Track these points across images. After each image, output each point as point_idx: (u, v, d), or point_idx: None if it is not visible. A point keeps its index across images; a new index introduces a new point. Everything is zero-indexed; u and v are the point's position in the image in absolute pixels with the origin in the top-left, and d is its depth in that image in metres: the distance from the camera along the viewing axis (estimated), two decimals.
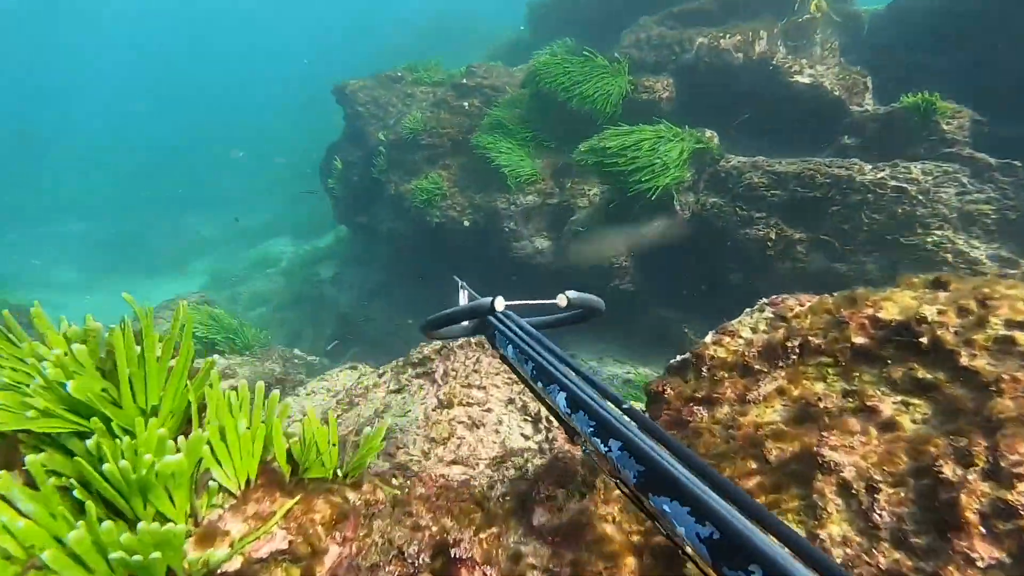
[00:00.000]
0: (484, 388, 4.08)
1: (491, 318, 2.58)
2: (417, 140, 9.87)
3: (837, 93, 8.17)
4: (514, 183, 9.06)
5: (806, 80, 8.30)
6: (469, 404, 3.91)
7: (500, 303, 2.35)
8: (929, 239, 6.48)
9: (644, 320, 9.06)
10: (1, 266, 27.14)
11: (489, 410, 3.89)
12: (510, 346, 2.37)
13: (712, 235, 7.98)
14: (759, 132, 9.14)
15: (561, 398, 1.89)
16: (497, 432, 3.69)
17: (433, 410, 3.94)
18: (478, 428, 3.72)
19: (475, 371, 4.28)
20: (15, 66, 52.93)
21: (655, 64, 9.36)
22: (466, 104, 9.91)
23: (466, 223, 9.44)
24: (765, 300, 3.32)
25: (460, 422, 3.76)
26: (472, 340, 4.63)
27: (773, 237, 7.37)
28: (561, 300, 2.46)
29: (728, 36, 8.72)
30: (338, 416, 4.43)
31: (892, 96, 8.51)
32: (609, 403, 1.74)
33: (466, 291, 3.55)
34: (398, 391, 4.45)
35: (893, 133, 7.29)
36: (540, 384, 2.07)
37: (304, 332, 13.86)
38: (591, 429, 1.67)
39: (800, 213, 7.31)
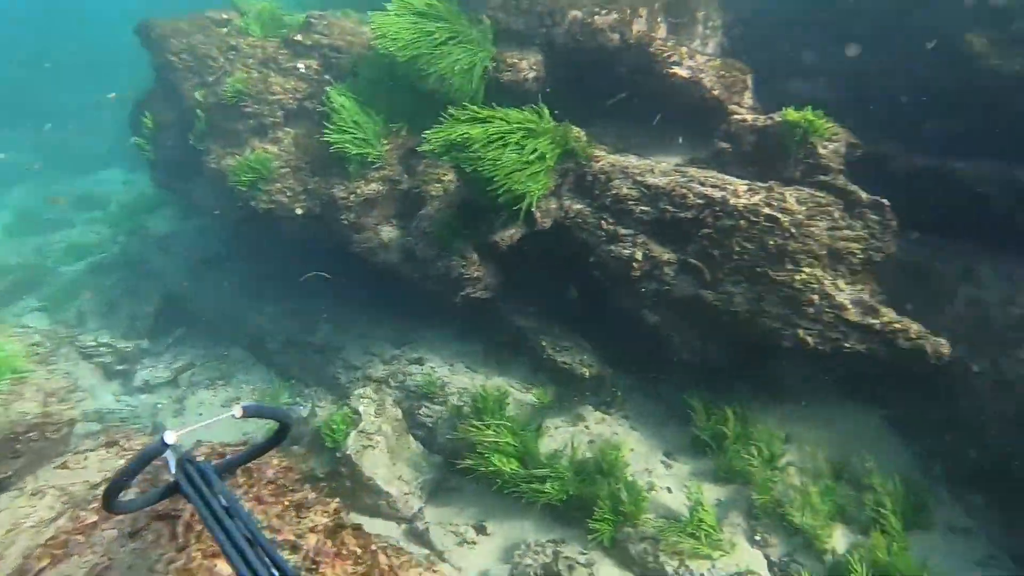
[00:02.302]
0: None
1: (180, 478, 2.52)
2: (240, 106, 8.20)
3: (716, 92, 7.40)
4: (356, 170, 7.74)
5: (684, 73, 7.45)
6: None
7: (170, 436, 2.39)
8: (798, 277, 5.97)
9: (501, 328, 8.22)
10: None
11: None
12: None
13: (574, 246, 7.15)
14: (635, 118, 8.30)
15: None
16: None
17: None
18: None
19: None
20: None
21: (523, 34, 8.15)
22: (301, 66, 8.29)
23: (298, 211, 8.05)
24: None
25: None
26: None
27: (639, 258, 6.64)
28: (236, 411, 2.55)
29: (604, 12, 7.64)
30: None
31: (767, 94, 7.92)
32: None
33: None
34: (132, 535, 3.29)
35: (770, 149, 6.64)
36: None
37: (121, 304, 11.93)
38: None
39: (670, 233, 6.60)
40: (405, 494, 6.87)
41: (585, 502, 6.11)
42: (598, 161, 7.15)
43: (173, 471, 2.64)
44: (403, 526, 6.82)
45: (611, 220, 6.90)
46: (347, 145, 7.65)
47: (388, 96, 8.03)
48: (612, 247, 6.85)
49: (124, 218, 15.81)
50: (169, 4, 11.38)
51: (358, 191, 7.84)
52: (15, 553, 3.58)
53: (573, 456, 6.62)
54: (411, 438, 7.56)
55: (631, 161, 7.13)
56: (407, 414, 7.87)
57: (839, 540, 5.76)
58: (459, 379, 8.02)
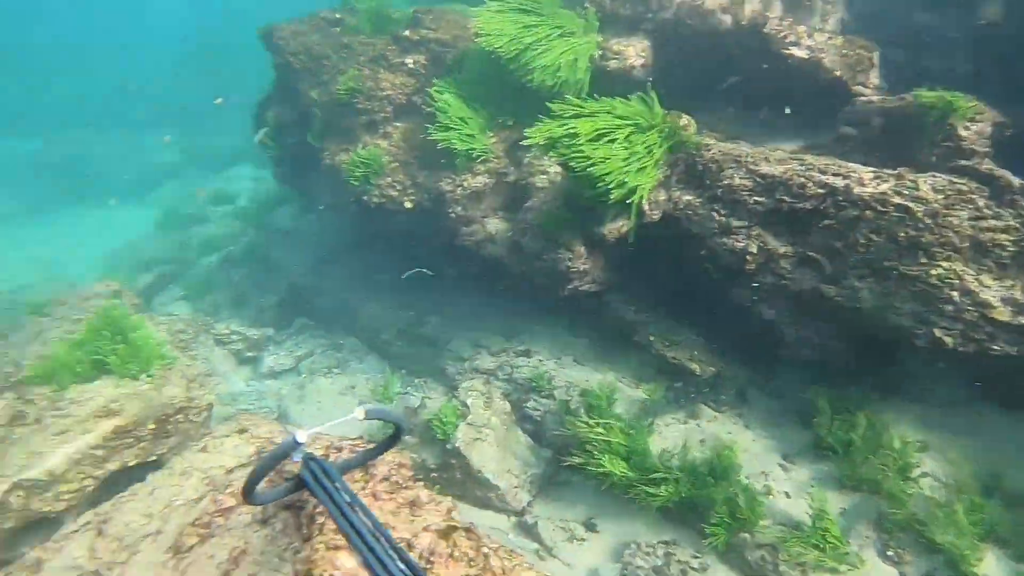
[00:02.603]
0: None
1: (305, 475, 2.76)
2: (353, 103, 8.50)
3: (838, 73, 6.94)
4: (462, 164, 7.84)
5: (802, 54, 7.02)
6: None
7: (302, 435, 2.63)
8: (934, 272, 5.50)
9: (609, 322, 8.13)
10: None
11: None
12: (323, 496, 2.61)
13: (685, 239, 6.94)
14: (748, 103, 7.94)
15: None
16: None
17: None
18: None
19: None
20: None
21: (629, 19, 7.95)
22: (409, 62, 8.48)
23: (408, 204, 8.27)
24: None
25: None
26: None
27: (754, 251, 6.35)
28: (359, 413, 2.75)
29: None
30: (186, 559, 3.51)
31: (897, 72, 7.34)
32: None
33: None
34: (263, 522, 3.51)
35: (901, 133, 6.15)
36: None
37: (249, 295, 12.77)
38: None
39: (787, 225, 6.27)
40: (514, 487, 6.97)
41: (698, 504, 5.96)
42: (709, 150, 6.87)
43: (298, 467, 2.94)
44: (512, 519, 6.92)
45: (723, 211, 6.63)
46: (453, 141, 7.75)
47: (493, 90, 8.06)
48: (725, 239, 6.59)
49: (252, 213, 16.80)
50: (286, 6, 11.98)
51: (465, 184, 7.96)
52: (172, 529, 3.92)
53: (685, 456, 6.45)
54: (519, 431, 7.65)
55: (744, 149, 6.81)
56: (515, 407, 7.96)
57: (991, 566, 5.22)
58: (566, 372, 8.03)
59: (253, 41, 10.11)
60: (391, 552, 2.23)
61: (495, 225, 8.17)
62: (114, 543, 4.03)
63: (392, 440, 3.13)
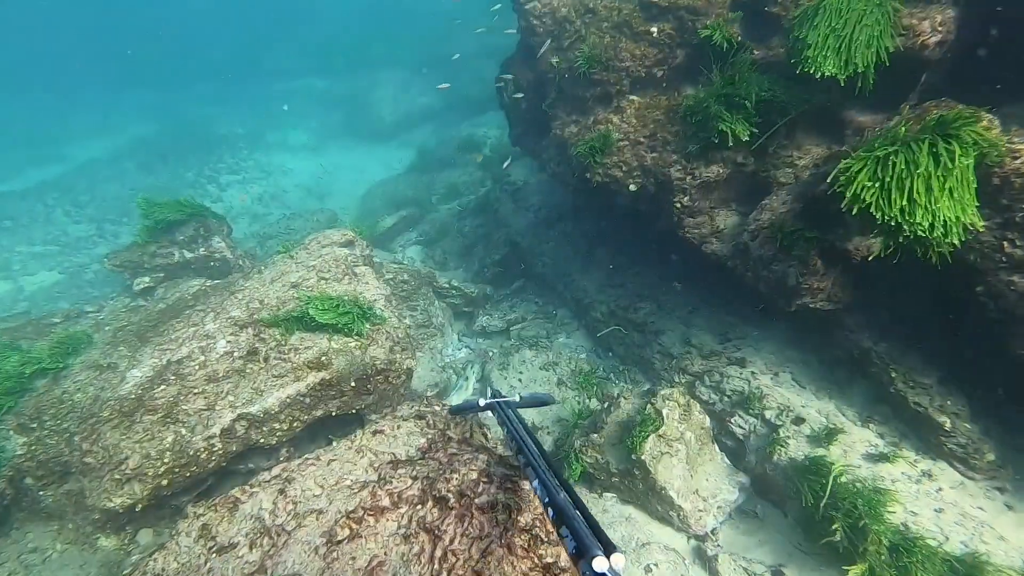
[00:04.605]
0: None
1: (499, 404, 4.02)
2: (589, 73, 8.03)
3: None
4: (696, 150, 7.08)
5: None
6: None
7: (483, 401, 4.19)
8: None
9: (839, 345, 7.01)
10: (254, 121, 29.99)
11: None
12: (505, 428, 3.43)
13: (957, 268, 5.58)
14: None
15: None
16: None
17: None
18: None
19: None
20: None
21: None
22: (653, 30, 7.73)
23: (632, 187, 7.72)
24: None
25: None
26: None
27: None
28: (515, 397, 4.26)
29: None
30: (333, 552, 3.59)
31: None
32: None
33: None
34: (406, 539, 3.47)
35: None
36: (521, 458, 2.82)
37: (475, 249, 13.25)
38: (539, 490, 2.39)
39: None
40: (699, 511, 6.41)
41: None
42: (1017, 157, 5.35)
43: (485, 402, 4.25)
44: (692, 542, 6.42)
45: (1020, 242, 5.18)
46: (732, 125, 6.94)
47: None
48: (1016, 278, 5.17)
49: (494, 163, 17.35)
50: None
51: (696, 172, 7.21)
52: (332, 511, 4.11)
53: (908, 531, 5.38)
54: (716, 449, 7.00)
55: None
56: (717, 419, 7.30)
57: None
58: (781, 392, 7.13)
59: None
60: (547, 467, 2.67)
61: (724, 220, 7.35)
62: (290, 506, 4.34)
63: (543, 403, 4.45)
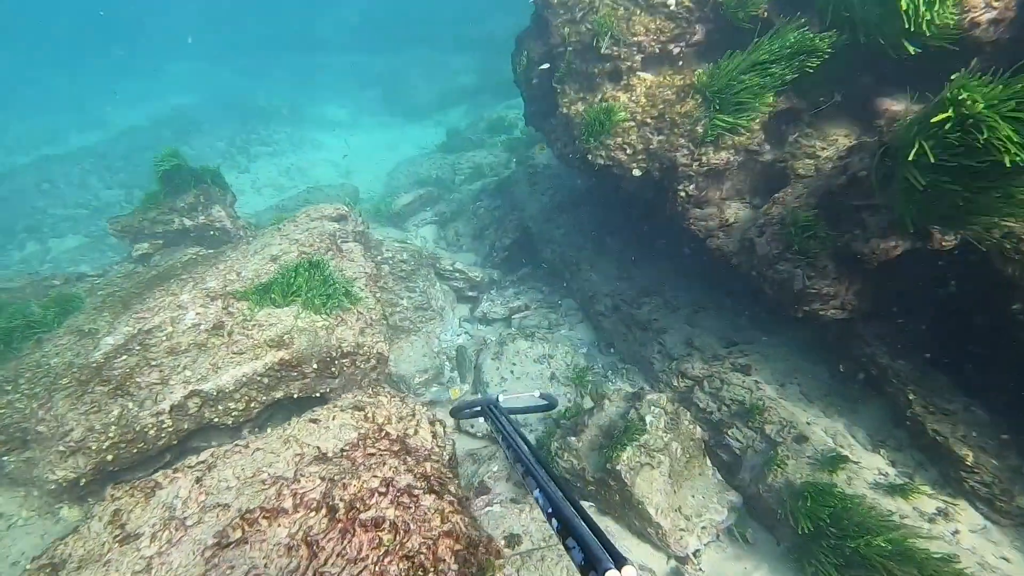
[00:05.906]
0: None
1: (492, 409, 3.26)
2: (598, 47, 7.41)
3: None
4: (705, 134, 6.43)
5: None
6: None
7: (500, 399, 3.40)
8: None
9: (854, 358, 6.32)
10: (293, 94, 29.95)
11: None
12: (501, 436, 2.93)
13: (990, 281, 4.86)
14: None
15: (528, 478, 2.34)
16: None
17: None
18: None
19: None
20: None
21: None
22: (671, 2, 7.06)
23: (636, 172, 7.11)
24: None
25: None
26: None
27: None
28: (536, 394, 3.76)
29: None
30: (215, 559, 3.17)
31: None
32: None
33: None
34: (289, 551, 3.02)
35: None
36: (519, 467, 2.47)
37: (487, 232, 12.74)
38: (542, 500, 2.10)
39: None
40: (680, 530, 5.83)
41: None
42: None
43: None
44: (671, 563, 5.85)
45: None
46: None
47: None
48: None
49: (521, 145, 16.76)
50: None
51: (703, 159, 6.56)
52: (235, 507, 3.71)
53: None
54: (708, 463, 6.40)
55: None
56: (713, 430, 6.69)
57: None
58: (786, 406, 6.48)
59: None
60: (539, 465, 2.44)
61: (735, 213, 6.70)
62: (202, 497, 3.95)
63: (546, 408, 3.72)
